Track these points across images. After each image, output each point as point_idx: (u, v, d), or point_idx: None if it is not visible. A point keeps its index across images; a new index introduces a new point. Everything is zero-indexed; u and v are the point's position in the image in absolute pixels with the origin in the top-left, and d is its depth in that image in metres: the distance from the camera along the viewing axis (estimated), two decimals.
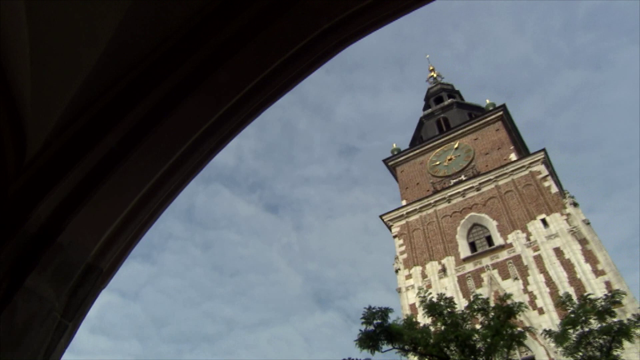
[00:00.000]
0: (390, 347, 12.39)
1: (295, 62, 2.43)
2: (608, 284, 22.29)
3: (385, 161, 38.61)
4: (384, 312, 12.33)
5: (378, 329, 12.22)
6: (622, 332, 10.90)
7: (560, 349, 11.99)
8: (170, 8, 1.94)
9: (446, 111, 40.35)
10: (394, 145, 39.42)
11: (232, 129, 2.49)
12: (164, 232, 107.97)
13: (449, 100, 41.48)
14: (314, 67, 2.61)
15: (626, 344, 11.26)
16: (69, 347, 1.82)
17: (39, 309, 1.60)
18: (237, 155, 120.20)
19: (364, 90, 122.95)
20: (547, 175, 29.30)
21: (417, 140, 40.08)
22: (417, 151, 37.07)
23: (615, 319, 11.26)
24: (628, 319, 11.39)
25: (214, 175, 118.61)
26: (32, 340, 1.58)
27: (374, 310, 12.32)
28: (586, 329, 11.36)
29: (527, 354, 21.67)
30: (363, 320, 12.38)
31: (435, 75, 46.38)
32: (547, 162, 30.40)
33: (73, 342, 1.87)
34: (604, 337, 11.05)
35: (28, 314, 1.57)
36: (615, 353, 10.87)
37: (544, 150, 30.76)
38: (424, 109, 43.18)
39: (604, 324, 11.20)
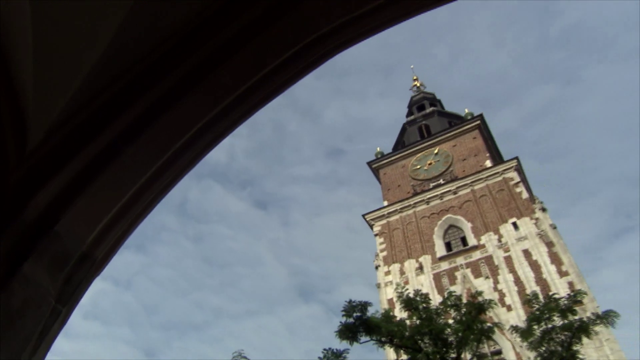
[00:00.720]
0: (368, 338, 12.43)
1: (289, 65, 2.43)
2: (571, 284, 22.65)
3: (369, 164, 38.74)
4: (364, 305, 12.36)
5: (357, 322, 12.24)
6: (582, 329, 11.06)
7: (525, 343, 12.14)
8: (170, 10, 1.93)
9: (427, 118, 40.63)
10: (378, 149, 39.63)
11: (226, 127, 2.48)
12: (157, 224, 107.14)
13: (431, 109, 41.76)
14: (306, 71, 2.61)
15: (585, 340, 11.45)
16: (63, 330, 1.80)
17: (34, 295, 1.58)
18: (229, 153, 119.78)
19: (351, 95, 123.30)
20: (518, 182, 29.67)
21: (400, 144, 40.29)
22: (400, 155, 37.25)
23: (576, 317, 11.41)
24: (587, 317, 11.56)
25: (207, 171, 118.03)
26: (27, 324, 1.57)
27: (354, 304, 12.34)
28: (549, 326, 11.50)
29: (495, 347, 21.92)
30: (343, 313, 12.39)
31: (418, 85, 46.65)
32: (519, 169, 30.78)
33: (67, 326, 1.86)
34: (566, 333, 11.21)
35: (24, 298, 1.55)
36: (574, 348, 11.03)
37: (516, 158, 31.15)
38: (407, 116, 43.43)
39: (566, 321, 11.35)
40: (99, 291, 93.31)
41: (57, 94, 1.62)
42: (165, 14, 1.92)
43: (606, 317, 11.27)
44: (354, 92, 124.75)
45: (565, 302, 11.74)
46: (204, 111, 2.20)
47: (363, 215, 33.94)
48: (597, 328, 11.42)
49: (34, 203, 1.60)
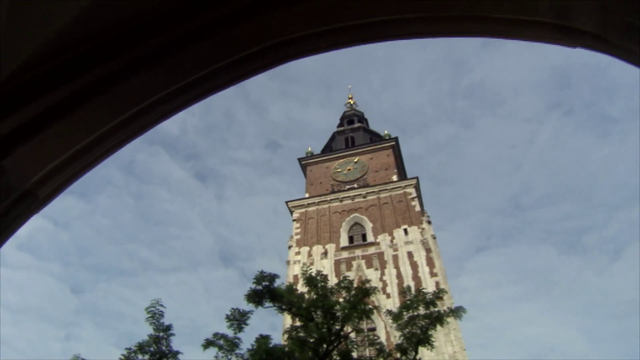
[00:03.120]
0: (271, 305, 12.50)
1: (245, 63, 2.41)
2: (437, 284, 24.36)
3: (300, 160, 38.83)
4: (272, 277, 12.40)
5: (265, 290, 12.26)
6: (437, 319, 11.89)
7: (395, 325, 12.76)
8: None
9: (354, 132, 41.52)
10: (309, 148, 39.84)
11: (180, 104, 2.41)
12: (104, 177, 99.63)
13: (358, 124, 42.70)
14: (260, 71, 2.59)
15: (438, 327, 12.31)
16: None
17: None
18: (181, 127, 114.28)
19: (296, 99, 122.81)
20: (415, 197, 31.30)
21: (328, 149, 40.80)
22: (326, 158, 37.75)
23: (436, 309, 12.19)
24: (444, 310, 12.38)
25: (158, 139, 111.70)
26: None
27: (264, 274, 12.34)
28: (415, 313, 12.18)
29: (371, 325, 22.99)
30: (254, 280, 12.36)
31: (352, 102, 47.47)
32: (417, 187, 32.48)
33: (1, 255, 1.71)
34: (426, 320, 11.94)
35: None
36: (429, 332, 11.85)
37: (417, 178, 32.88)
38: (338, 126, 44.03)
39: (427, 312, 12.09)
40: (37, 227, 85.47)
41: (30, 38, 1.49)
42: None
43: (456, 312, 12.26)
44: (299, 97, 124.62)
45: (430, 297, 12.47)
46: (162, 86, 2.13)
47: (286, 202, 33.99)
48: (448, 319, 12.31)
49: None
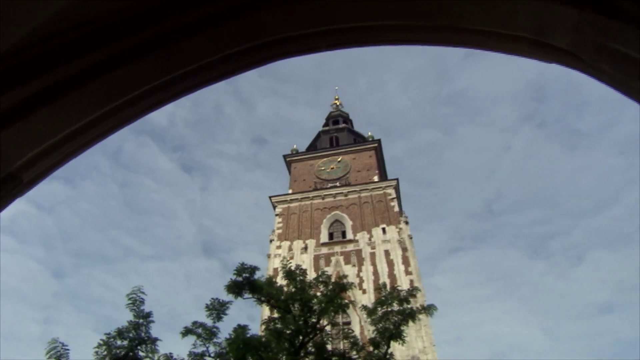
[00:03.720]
0: (250, 296, 12.45)
1: (237, 59, 2.39)
2: (412, 282, 24.71)
3: (285, 156, 38.70)
4: (253, 269, 12.34)
5: (245, 281, 12.19)
6: (410, 315, 12.07)
7: (369, 319, 12.89)
8: None
9: (339, 132, 41.63)
10: (295, 146, 39.74)
11: (170, 96, 2.38)
12: (90, 163, 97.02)
13: (343, 125, 42.83)
14: (250, 67, 2.58)
15: (410, 323, 12.49)
16: None
17: None
18: (170, 119, 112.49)
19: (285, 98, 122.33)
20: (394, 197, 31.62)
21: (313, 147, 40.78)
22: (310, 156, 37.73)
23: (409, 306, 12.38)
24: (416, 307, 12.60)
25: (146, 129, 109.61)
26: None
27: (245, 266, 12.27)
28: (389, 309, 12.35)
29: (346, 319, 23.17)
30: (235, 272, 12.27)
31: (338, 103, 47.55)
32: (397, 188, 32.81)
33: None
34: (399, 316, 12.11)
35: None
36: (402, 328, 12.02)
37: (397, 179, 33.21)
38: (324, 126, 44.07)
39: (401, 308, 12.27)
40: (20, 211, 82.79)
41: (23, 20, 1.44)
42: None
43: (428, 309, 12.48)
44: (288, 96, 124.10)
45: (404, 294, 12.65)
46: (151, 77, 2.10)
47: (270, 197, 33.85)
48: (420, 316, 12.53)
49: None
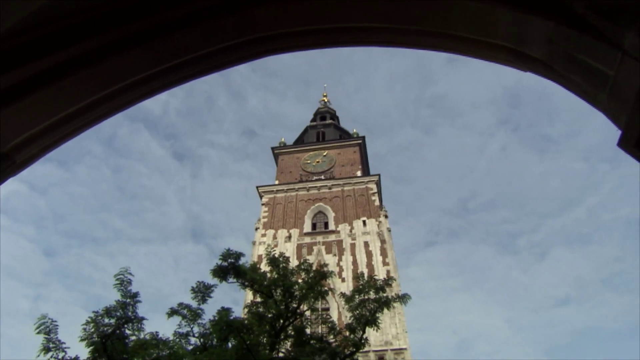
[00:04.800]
0: (235, 280, 12.41)
1: (229, 52, 2.36)
2: (388, 272, 25.05)
3: (273, 149, 38.47)
4: (238, 255, 12.28)
5: (230, 266, 12.13)
6: (385, 303, 12.22)
7: (346, 306, 13.01)
8: None
9: (326, 128, 41.58)
10: (283, 139, 39.52)
11: (163, 85, 2.34)
12: (84, 148, 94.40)
13: (330, 121, 42.80)
14: (242, 61, 2.55)
15: (385, 310, 12.65)
16: None
17: None
18: (163, 108, 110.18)
19: (275, 93, 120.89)
20: (375, 192, 31.86)
21: (300, 141, 40.65)
22: (297, 149, 37.62)
23: (385, 294, 12.54)
24: (392, 296, 12.74)
25: (140, 116, 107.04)
26: None
27: (231, 252, 12.20)
28: (366, 297, 12.48)
29: (325, 305, 23.35)
30: (221, 257, 12.19)
31: (326, 100, 47.44)
32: (378, 183, 33.06)
33: None
34: (375, 304, 12.26)
35: None
36: (377, 315, 12.20)
37: (378, 175, 33.46)
38: (311, 121, 43.93)
39: (377, 296, 12.42)
40: (13, 191, 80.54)
41: (15, 7, 1.40)
42: None
43: (402, 298, 12.66)
44: (278, 91, 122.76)
45: (381, 283, 12.75)
46: (145, 66, 2.06)
47: (257, 187, 33.69)
48: (395, 304, 12.69)
49: None
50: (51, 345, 9.83)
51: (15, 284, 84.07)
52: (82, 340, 10.22)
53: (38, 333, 9.85)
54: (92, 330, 10.27)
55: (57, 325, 10.04)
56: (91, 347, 10.19)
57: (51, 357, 9.77)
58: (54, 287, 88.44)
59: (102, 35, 1.74)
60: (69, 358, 10.02)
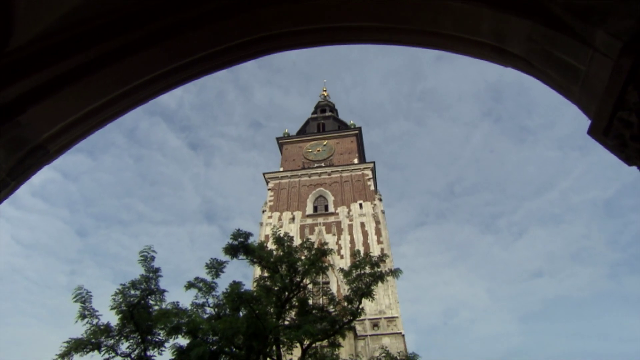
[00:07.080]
0: (244, 257, 12.56)
1: (237, 50, 2.36)
2: (382, 250, 25.28)
3: (277, 139, 38.33)
4: (247, 235, 12.39)
5: (240, 245, 12.26)
6: (379, 277, 12.39)
7: (345, 280, 13.18)
8: None
9: (325, 119, 41.30)
10: (286, 130, 39.29)
11: (178, 81, 2.35)
12: (109, 139, 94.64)
13: (329, 113, 42.47)
14: (249, 58, 2.55)
15: (380, 284, 12.84)
16: (13, 201, 1.61)
17: None
18: (179, 102, 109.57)
19: (279, 87, 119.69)
20: (371, 178, 31.87)
21: (302, 131, 40.44)
22: (300, 139, 37.46)
23: (379, 269, 12.70)
24: (385, 271, 12.90)
25: (158, 110, 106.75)
26: None
27: (240, 232, 12.30)
28: (362, 272, 12.64)
29: (326, 279, 23.63)
30: (232, 237, 12.31)
31: (325, 94, 46.97)
32: (373, 170, 33.03)
33: (17, 198, 1.66)
34: (370, 278, 12.42)
35: None
36: (372, 287, 12.38)
37: (374, 162, 33.37)
38: (312, 113, 43.59)
39: (372, 271, 12.58)
40: (49, 178, 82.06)
41: (47, 11, 1.40)
42: None
43: (395, 272, 12.80)
44: (282, 86, 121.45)
45: (376, 259, 12.88)
46: (162, 63, 2.06)
47: (264, 174, 33.70)
48: (388, 278, 12.85)
49: (4, 93, 1.38)
50: (86, 313, 10.12)
51: (53, 261, 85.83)
52: (112, 309, 10.49)
53: (75, 302, 10.09)
54: (121, 300, 10.51)
55: (91, 295, 10.29)
56: (120, 315, 10.48)
57: (86, 322, 10.04)
58: (87, 263, 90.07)
59: (124, 35, 1.75)
60: (102, 324, 10.28)
